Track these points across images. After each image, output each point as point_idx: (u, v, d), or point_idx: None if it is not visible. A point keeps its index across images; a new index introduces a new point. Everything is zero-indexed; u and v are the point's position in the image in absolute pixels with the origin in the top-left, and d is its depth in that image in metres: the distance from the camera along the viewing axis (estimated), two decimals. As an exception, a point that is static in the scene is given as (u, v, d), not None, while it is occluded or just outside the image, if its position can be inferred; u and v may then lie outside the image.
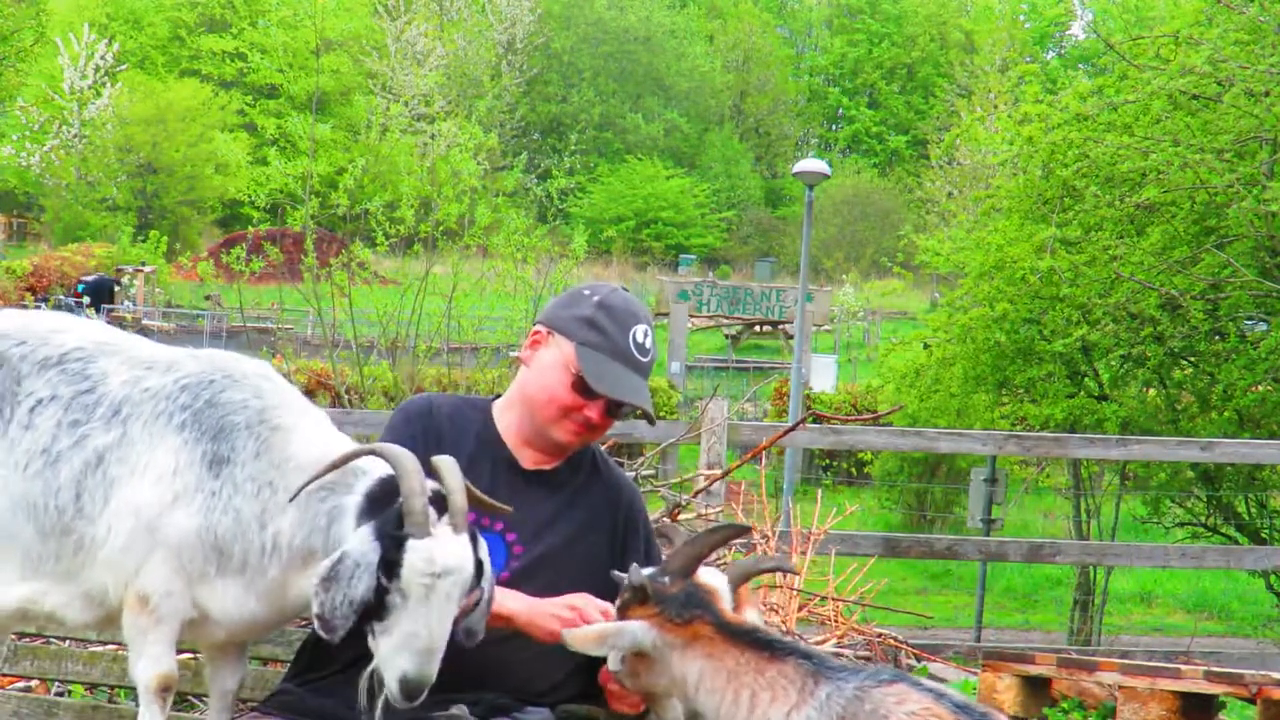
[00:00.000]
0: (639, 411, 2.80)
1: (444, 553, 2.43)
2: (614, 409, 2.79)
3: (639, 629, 2.44)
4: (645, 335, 2.83)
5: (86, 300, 24.50)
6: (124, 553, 2.56)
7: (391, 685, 2.43)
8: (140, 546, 2.56)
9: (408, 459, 2.46)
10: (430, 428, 2.83)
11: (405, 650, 2.43)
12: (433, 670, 2.43)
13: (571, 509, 2.82)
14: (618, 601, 2.51)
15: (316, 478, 2.50)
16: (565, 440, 2.81)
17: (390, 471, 2.52)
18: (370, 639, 2.46)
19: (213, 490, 2.58)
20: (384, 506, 2.49)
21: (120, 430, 2.62)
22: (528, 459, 2.84)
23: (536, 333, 2.87)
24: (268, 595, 2.62)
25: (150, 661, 2.59)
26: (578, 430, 2.80)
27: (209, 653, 2.83)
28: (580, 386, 2.76)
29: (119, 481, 2.60)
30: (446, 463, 2.49)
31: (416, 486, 2.43)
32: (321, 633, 2.42)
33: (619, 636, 2.44)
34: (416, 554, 2.41)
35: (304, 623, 3.13)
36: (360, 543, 2.43)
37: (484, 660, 2.70)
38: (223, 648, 2.79)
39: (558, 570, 2.75)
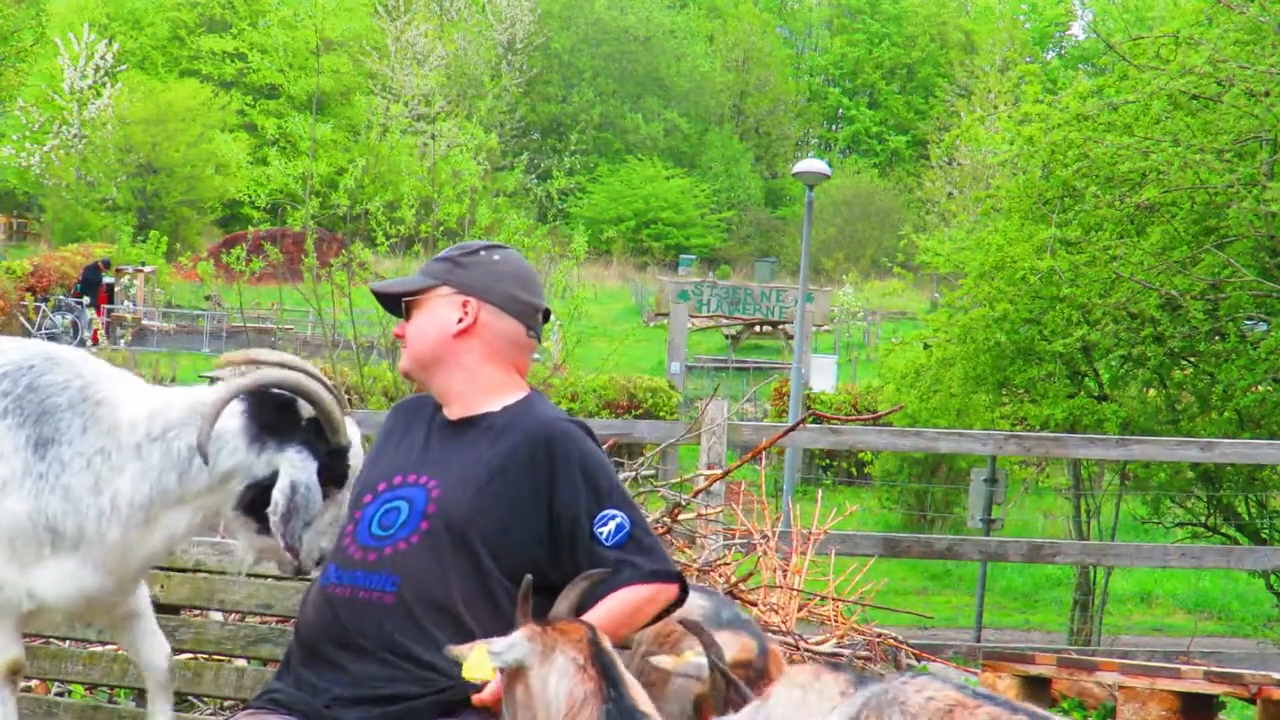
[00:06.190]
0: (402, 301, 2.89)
1: (359, 439, 2.74)
2: (404, 314, 2.91)
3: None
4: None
5: (86, 300, 24.47)
6: None
7: (309, 562, 2.65)
8: None
9: (303, 377, 2.63)
10: (418, 409, 2.96)
11: (329, 532, 2.69)
12: None
13: (492, 447, 2.84)
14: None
15: (217, 411, 2.57)
16: (401, 367, 2.95)
17: (224, 389, 2.64)
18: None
19: (40, 473, 2.61)
20: (272, 423, 2.64)
21: None
22: (450, 412, 2.94)
23: None
24: (106, 563, 2.66)
25: None
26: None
27: (115, 631, 2.88)
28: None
29: None
30: (274, 356, 2.70)
31: (329, 396, 2.64)
32: (287, 568, 2.63)
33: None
34: (357, 457, 2.71)
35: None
36: (303, 470, 2.60)
37: None
38: (121, 620, 2.85)
39: (476, 506, 2.76)
